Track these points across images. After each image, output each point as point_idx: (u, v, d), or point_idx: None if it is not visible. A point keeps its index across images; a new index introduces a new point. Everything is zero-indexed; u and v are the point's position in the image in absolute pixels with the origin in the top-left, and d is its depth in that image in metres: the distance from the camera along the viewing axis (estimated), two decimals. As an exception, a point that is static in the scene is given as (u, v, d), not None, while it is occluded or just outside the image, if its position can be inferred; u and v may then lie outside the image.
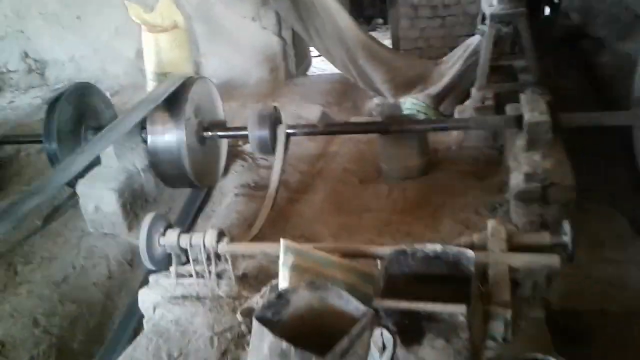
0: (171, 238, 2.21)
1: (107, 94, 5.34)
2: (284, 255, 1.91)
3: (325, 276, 1.83)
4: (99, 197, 2.99)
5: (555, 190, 2.53)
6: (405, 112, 4.31)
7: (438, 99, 4.21)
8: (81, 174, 3.05)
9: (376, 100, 4.67)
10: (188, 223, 3.13)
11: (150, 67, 5.00)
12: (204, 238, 2.17)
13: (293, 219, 3.06)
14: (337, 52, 4.41)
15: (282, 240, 1.95)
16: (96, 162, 3.09)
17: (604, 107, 3.92)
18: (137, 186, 3.14)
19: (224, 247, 2.14)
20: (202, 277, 2.23)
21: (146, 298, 2.29)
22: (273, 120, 3.14)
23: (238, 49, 5.34)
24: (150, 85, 5.04)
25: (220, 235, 2.19)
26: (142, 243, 2.17)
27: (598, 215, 2.73)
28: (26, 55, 5.78)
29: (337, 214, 3.06)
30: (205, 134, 3.20)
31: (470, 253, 1.65)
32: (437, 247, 1.71)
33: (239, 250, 2.17)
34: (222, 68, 5.44)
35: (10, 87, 5.84)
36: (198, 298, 2.21)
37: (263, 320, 1.49)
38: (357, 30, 4.26)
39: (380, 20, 8.43)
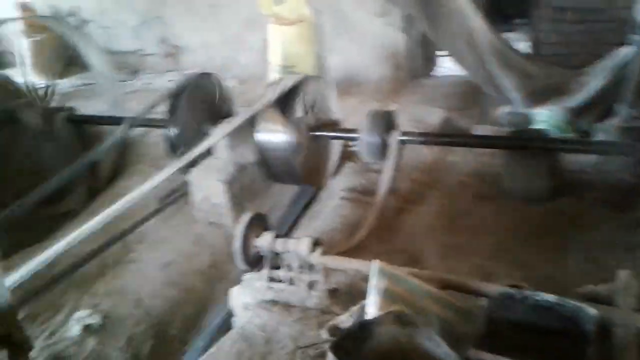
0: (266, 240, 2.16)
1: (235, 82, 5.57)
2: (375, 279, 1.77)
3: (418, 308, 1.66)
4: (208, 187, 3.04)
5: None
6: (538, 125, 3.94)
7: (576, 114, 3.78)
8: (193, 163, 3.14)
9: (506, 108, 4.31)
10: (291, 222, 3.09)
11: (274, 59, 5.04)
12: (298, 245, 2.10)
13: (398, 231, 2.90)
14: (465, 54, 4.12)
15: (374, 262, 1.81)
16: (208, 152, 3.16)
17: None
18: (246, 179, 3.15)
19: (317, 257, 2.04)
20: (294, 284, 2.16)
21: (237, 297, 2.26)
22: (386, 125, 2.99)
23: (362, 45, 5.23)
24: (273, 77, 5.10)
25: (315, 244, 2.10)
26: (236, 242, 2.15)
27: None
28: (163, 40, 6.14)
29: (447, 231, 2.84)
30: (315, 133, 3.13)
31: (592, 312, 1.39)
32: (552, 298, 1.46)
33: (332, 263, 2.05)
34: (346, 63, 5.35)
35: (148, 70, 6.24)
36: (287, 306, 2.13)
37: (340, 351, 1.37)
38: (490, 32, 3.95)
39: (519, 21, 7.85)
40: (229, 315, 2.39)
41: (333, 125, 3.33)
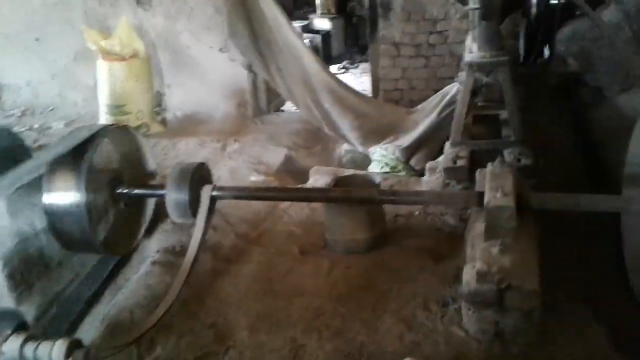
0: (12, 347, 1.75)
1: (62, 124, 5.02)
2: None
3: None
4: (-20, 265, 2.53)
5: (513, 296, 2.03)
6: (374, 163, 3.86)
7: (409, 152, 3.75)
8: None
9: (346, 147, 4.21)
10: (85, 300, 2.65)
11: (103, 98, 4.59)
12: (50, 351, 1.71)
13: (210, 300, 2.57)
14: (300, 93, 3.97)
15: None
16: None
17: (599, 173, 3.43)
18: (33, 251, 2.65)
19: (67, 368, 1.67)
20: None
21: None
22: (196, 180, 2.68)
23: (204, 81, 4.93)
24: (104, 118, 4.64)
25: (73, 347, 1.73)
26: (-31, 354, 1.71)
27: (572, 322, 2.22)
28: (-21, 77, 5.43)
29: (263, 296, 2.57)
30: (117, 191, 2.75)
31: None
32: None
33: (85, 373, 1.69)
34: (187, 100, 5.03)
35: (-34, 111, 5.49)
36: None
37: None
38: (323, 72, 3.82)
39: (349, 62, 7.99)
40: None
41: (145, 179, 2.96)
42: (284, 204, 3.40)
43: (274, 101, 5.26)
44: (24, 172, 2.76)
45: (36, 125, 4.99)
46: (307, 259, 2.83)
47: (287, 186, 3.52)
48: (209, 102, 5.00)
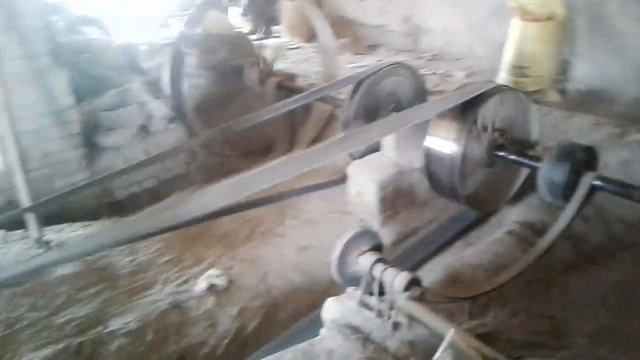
0: (365, 261, 1.97)
1: (462, 74, 5.21)
2: (442, 350, 1.47)
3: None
4: (362, 184, 2.91)
5: None
6: None
7: None
8: (359, 154, 3.05)
9: None
10: (438, 244, 2.78)
11: (507, 57, 4.53)
12: (393, 278, 1.86)
13: (556, 291, 2.37)
14: None
15: (451, 330, 1.50)
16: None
17: None
18: (405, 184, 2.93)
19: (402, 299, 1.79)
20: (381, 318, 1.93)
21: (329, 310, 2.12)
22: (579, 163, 2.42)
23: (621, 57, 4.33)
24: (503, 77, 4.60)
25: (413, 283, 1.83)
26: (335, 254, 2.00)
27: None
28: (407, 19, 6.00)
29: (615, 310, 2.23)
30: (494, 152, 2.71)
31: None
32: None
33: (415, 311, 1.77)
34: (594, 75, 4.53)
35: (388, 46, 6.22)
36: (366, 339, 1.92)
37: None
38: None
39: None
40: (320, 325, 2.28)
41: (525, 147, 2.84)
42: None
43: None
44: (418, 114, 2.99)
45: (441, 71, 5.31)
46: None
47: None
48: (619, 81, 4.39)
